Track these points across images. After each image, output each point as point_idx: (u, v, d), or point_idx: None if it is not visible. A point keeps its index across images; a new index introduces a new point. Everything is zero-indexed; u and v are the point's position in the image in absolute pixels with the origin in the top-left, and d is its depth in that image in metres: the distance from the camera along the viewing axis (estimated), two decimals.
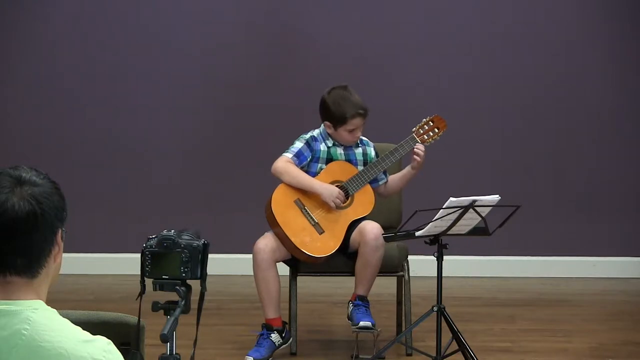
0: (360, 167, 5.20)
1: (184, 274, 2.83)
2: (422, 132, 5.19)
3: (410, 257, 5.31)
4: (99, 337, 1.96)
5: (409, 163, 5.22)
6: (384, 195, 5.32)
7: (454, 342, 4.69)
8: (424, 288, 6.00)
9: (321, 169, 5.17)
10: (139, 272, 2.86)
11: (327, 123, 5.17)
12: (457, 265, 6.80)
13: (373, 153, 5.28)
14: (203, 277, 2.86)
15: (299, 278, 5.21)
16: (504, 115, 7.12)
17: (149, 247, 2.86)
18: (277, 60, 7.08)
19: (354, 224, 5.10)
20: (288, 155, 5.15)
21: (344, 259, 5.13)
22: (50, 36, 7.04)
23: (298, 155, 5.15)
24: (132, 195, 7.09)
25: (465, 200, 4.54)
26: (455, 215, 4.55)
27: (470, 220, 4.62)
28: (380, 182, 5.27)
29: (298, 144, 5.18)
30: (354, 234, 5.07)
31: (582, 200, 7.15)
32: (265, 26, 7.08)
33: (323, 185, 5.09)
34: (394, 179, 5.30)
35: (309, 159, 5.17)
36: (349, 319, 5.12)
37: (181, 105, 7.10)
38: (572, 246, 7.15)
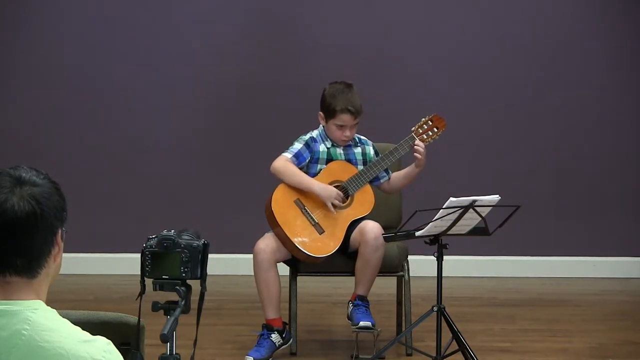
0: (360, 167, 5.21)
1: (184, 274, 2.83)
2: (421, 131, 5.20)
3: (410, 257, 5.31)
4: (98, 337, 1.96)
5: (409, 162, 5.22)
6: (387, 191, 5.32)
7: (454, 342, 4.69)
8: (424, 288, 6.00)
9: (321, 169, 5.17)
10: (139, 272, 2.85)
11: (321, 114, 5.20)
12: (457, 265, 6.80)
13: (372, 152, 5.28)
14: (203, 277, 2.86)
15: (299, 278, 5.21)
16: (504, 115, 7.12)
17: (149, 247, 2.85)
18: (277, 60, 7.08)
19: (354, 224, 5.10)
20: (287, 155, 5.15)
21: (344, 259, 5.13)
22: (50, 36, 7.04)
23: (297, 155, 5.15)
24: (132, 195, 7.09)
25: (465, 200, 4.54)
26: (455, 215, 4.55)
27: (470, 220, 4.62)
28: (382, 180, 5.27)
29: (297, 145, 5.18)
30: (354, 234, 5.07)
31: (582, 201, 7.15)
32: (265, 26, 7.09)
33: (321, 186, 5.09)
34: (397, 176, 5.30)
35: (307, 160, 5.17)
36: (349, 319, 5.12)
37: (181, 105, 7.11)
38: (572, 246, 7.15)
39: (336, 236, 5.07)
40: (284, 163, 5.13)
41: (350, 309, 5.11)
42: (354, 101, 5.13)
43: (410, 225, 4.60)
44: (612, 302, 6.52)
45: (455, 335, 4.68)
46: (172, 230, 2.89)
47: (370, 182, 5.21)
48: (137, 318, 2.73)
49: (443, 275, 4.69)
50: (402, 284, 5.28)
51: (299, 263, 5.15)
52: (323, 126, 5.23)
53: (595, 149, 7.15)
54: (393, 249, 5.16)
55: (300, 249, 5.01)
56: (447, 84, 7.08)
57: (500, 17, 7.09)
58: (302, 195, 5.13)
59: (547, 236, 7.16)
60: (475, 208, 4.55)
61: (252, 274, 5.09)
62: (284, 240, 5.04)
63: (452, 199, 4.53)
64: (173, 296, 2.83)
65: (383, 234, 4.94)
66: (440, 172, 6.80)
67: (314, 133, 5.23)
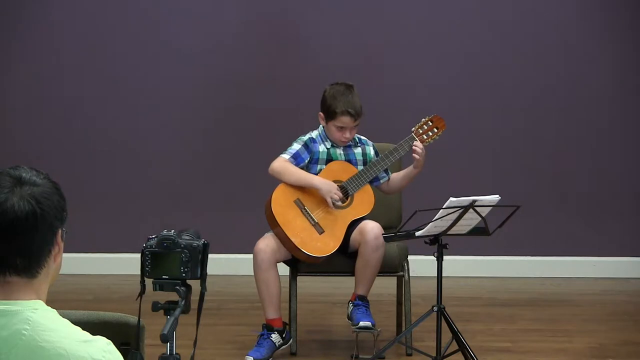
0: (360, 167, 5.21)
1: (184, 274, 2.83)
2: (421, 131, 5.20)
3: (410, 257, 5.31)
4: (98, 337, 1.96)
5: (409, 163, 5.22)
6: (387, 192, 5.33)
7: (454, 342, 4.69)
8: (424, 288, 6.00)
9: (321, 170, 5.17)
10: (139, 272, 2.86)
11: (321, 114, 5.20)
12: (457, 265, 6.80)
13: (372, 152, 5.28)
14: (203, 277, 2.86)
15: (299, 278, 5.21)
16: (504, 115, 7.12)
17: (149, 247, 2.85)
18: (276, 60, 7.08)
19: (354, 224, 5.10)
20: (285, 156, 5.15)
21: (344, 259, 5.13)
22: (50, 36, 7.04)
23: (295, 156, 5.15)
24: (132, 195, 7.09)
25: (465, 200, 4.54)
26: (455, 215, 4.55)
27: (470, 220, 4.62)
28: (382, 180, 5.27)
29: (296, 146, 5.18)
30: (354, 234, 5.07)
31: (582, 201, 7.15)
32: (266, 26, 7.08)
33: (322, 181, 5.10)
34: (397, 177, 5.30)
35: (306, 161, 5.17)
36: (349, 319, 5.12)
37: (181, 105, 7.11)
38: (572, 246, 7.15)
39: (336, 236, 5.07)
40: (282, 163, 5.13)
41: (350, 309, 5.11)
42: (354, 103, 5.13)
43: (410, 225, 4.60)
44: (612, 302, 6.52)
45: (455, 335, 4.68)
46: (172, 230, 2.89)
47: (370, 183, 5.21)
48: (137, 318, 2.73)
49: (443, 275, 4.69)
50: (402, 284, 5.28)
51: (299, 263, 5.15)
52: (323, 126, 5.23)
53: (595, 149, 7.14)
54: (393, 249, 5.16)
55: (300, 249, 5.01)
56: (447, 84, 7.08)
57: (500, 18, 7.08)
58: (302, 195, 5.13)
59: (547, 236, 7.16)
60: (475, 208, 4.55)
61: (252, 274, 5.09)
62: (284, 240, 5.04)
63: (452, 199, 4.53)
64: (173, 296, 2.83)
65: (383, 234, 4.94)
66: (440, 172, 6.80)
67: (314, 134, 5.23)
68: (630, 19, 7.09)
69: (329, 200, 5.05)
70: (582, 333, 5.65)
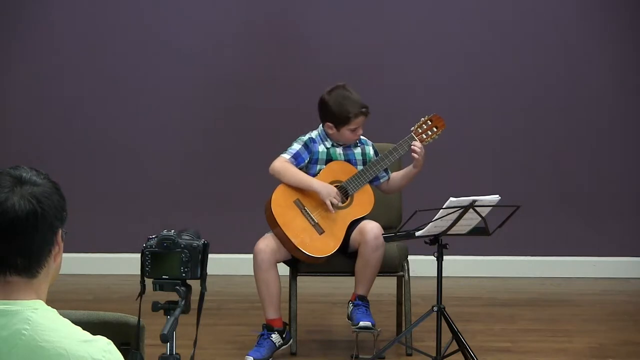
0: (360, 167, 5.20)
1: (184, 274, 2.83)
2: (420, 131, 5.20)
3: (410, 257, 5.31)
4: (98, 337, 1.96)
5: (409, 162, 5.22)
6: (386, 192, 5.32)
7: (454, 342, 4.69)
8: (424, 288, 6.00)
9: (320, 169, 5.17)
10: (139, 272, 2.86)
11: (329, 124, 5.16)
12: (457, 265, 6.80)
13: (372, 152, 5.28)
14: (203, 277, 2.86)
15: (299, 278, 5.21)
16: (504, 115, 7.11)
17: (149, 247, 2.85)
18: (276, 60, 7.08)
19: (354, 224, 5.10)
20: (286, 156, 5.15)
21: (344, 259, 5.13)
22: (50, 36, 7.04)
23: (296, 156, 5.15)
24: (131, 195, 7.08)
25: (465, 200, 4.54)
26: (455, 215, 4.55)
27: (470, 220, 4.62)
28: (382, 180, 5.27)
29: (296, 146, 5.18)
30: (354, 234, 5.07)
31: (582, 201, 7.15)
32: (265, 26, 7.08)
33: (321, 184, 5.09)
34: (396, 176, 5.30)
35: (306, 161, 5.17)
36: (349, 319, 5.12)
37: (181, 106, 7.10)
38: (572, 246, 7.15)
39: (336, 236, 5.07)
40: (282, 164, 5.13)
41: (350, 309, 5.11)
42: (360, 101, 5.14)
43: (410, 225, 4.60)
44: (612, 302, 6.52)
45: (455, 335, 4.68)
46: (172, 230, 2.89)
47: (370, 182, 5.21)
48: (137, 318, 2.73)
49: (443, 275, 4.69)
50: (402, 284, 5.28)
51: (299, 263, 5.15)
52: (330, 134, 5.19)
53: (595, 149, 7.14)
54: (393, 249, 5.16)
55: (300, 250, 5.01)
56: (447, 84, 7.08)
57: (500, 18, 7.08)
58: (302, 195, 5.13)
59: (547, 236, 7.15)
60: (475, 208, 4.55)
61: (252, 274, 5.09)
62: (284, 240, 5.04)
63: (452, 199, 4.53)
64: (173, 296, 2.83)
65: (383, 234, 4.94)
66: (440, 172, 6.80)
67: (313, 134, 5.23)
68: (630, 19, 7.09)
69: (328, 203, 5.05)
70: (582, 333, 5.65)
